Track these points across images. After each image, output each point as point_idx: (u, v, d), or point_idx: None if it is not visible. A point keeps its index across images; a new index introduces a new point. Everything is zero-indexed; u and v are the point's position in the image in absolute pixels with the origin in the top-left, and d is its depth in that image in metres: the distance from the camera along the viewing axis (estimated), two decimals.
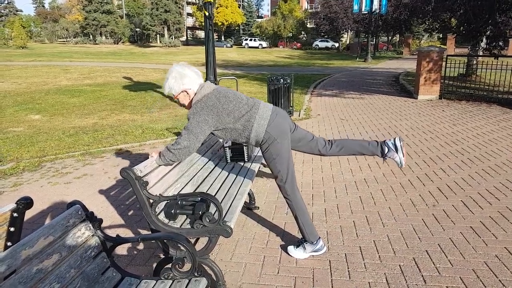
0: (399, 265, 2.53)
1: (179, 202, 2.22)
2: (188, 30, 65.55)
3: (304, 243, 2.60)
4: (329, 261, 2.59)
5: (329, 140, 2.59)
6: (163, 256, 2.24)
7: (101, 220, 1.68)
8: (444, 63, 9.28)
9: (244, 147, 3.31)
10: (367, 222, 3.16)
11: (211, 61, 7.65)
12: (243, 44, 52.64)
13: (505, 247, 2.69)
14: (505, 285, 2.27)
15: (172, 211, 2.19)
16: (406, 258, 2.61)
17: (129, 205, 3.64)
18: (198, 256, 1.72)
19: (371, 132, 6.30)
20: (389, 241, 2.84)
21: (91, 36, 55.46)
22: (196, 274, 1.63)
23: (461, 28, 12.32)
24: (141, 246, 2.85)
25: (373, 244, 2.80)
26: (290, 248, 2.66)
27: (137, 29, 60.41)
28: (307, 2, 60.27)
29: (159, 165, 2.38)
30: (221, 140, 3.55)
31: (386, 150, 2.51)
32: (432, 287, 2.29)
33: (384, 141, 2.55)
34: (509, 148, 5.16)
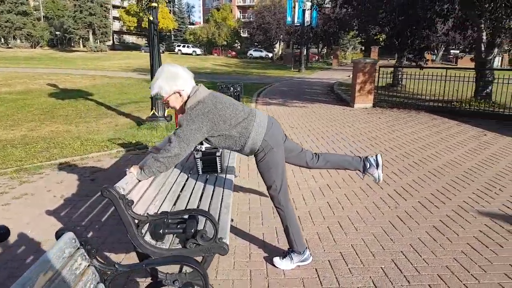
0: (381, 267, 2.62)
1: (165, 221, 2.04)
2: (115, 35, 62.45)
3: (292, 254, 2.56)
4: (316, 270, 2.58)
5: (315, 153, 2.63)
6: (151, 281, 2.04)
7: (97, 248, 1.47)
8: (377, 74, 10.04)
9: (217, 158, 3.19)
10: (340, 227, 3.24)
11: (156, 66, 7.38)
12: (176, 50, 51.35)
13: (467, 243, 2.94)
14: (477, 279, 2.46)
15: (160, 230, 2.00)
16: (386, 260, 2.71)
17: (86, 226, 3.27)
18: (208, 277, 1.58)
19: (321, 139, 6.52)
20: (365, 244, 2.94)
21: (2, 39, 50.01)
22: None
23: (389, 42, 13.51)
24: None
25: (352, 249, 2.87)
26: (276, 260, 2.60)
27: (58, 33, 55.88)
28: (240, 11, 61.32)
29: (140, 181, 2.18)
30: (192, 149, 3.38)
31: (368, 165, 2.60)
32: (416, 286, 2.40)
33: (367, 157, 2.64)
34: (445, 151, 5.71)
